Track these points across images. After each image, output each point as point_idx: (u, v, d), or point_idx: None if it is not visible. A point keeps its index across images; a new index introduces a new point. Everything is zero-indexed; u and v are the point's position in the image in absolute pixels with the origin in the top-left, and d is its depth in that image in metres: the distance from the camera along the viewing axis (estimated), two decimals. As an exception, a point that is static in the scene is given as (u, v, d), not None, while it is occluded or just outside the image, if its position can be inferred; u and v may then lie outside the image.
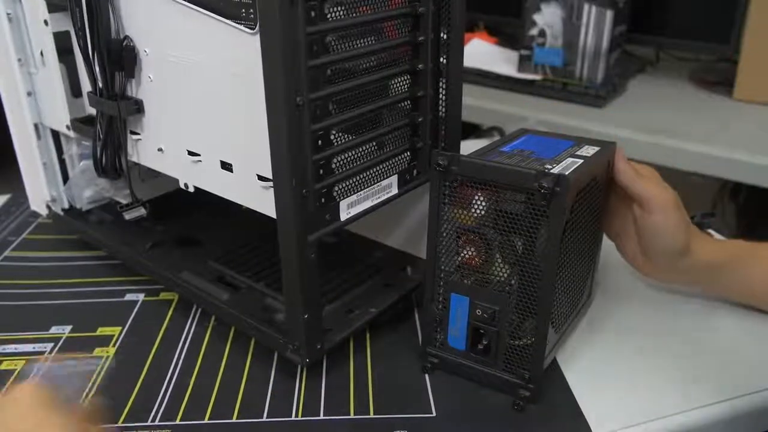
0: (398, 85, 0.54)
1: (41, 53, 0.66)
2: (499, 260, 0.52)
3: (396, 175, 0.56)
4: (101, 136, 0.61)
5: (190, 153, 0.56)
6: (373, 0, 0.49)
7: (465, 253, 0.53)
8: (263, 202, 0.50)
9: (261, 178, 0.50)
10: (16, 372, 0.58)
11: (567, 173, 0.49)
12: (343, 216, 0.52)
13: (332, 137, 0.49)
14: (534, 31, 1.30)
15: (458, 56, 0.56)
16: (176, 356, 0.59)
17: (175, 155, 0.58)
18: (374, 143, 0.53)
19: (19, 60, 0.67)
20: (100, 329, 0.63)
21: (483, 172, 0.50)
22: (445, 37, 0.55)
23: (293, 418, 0.52)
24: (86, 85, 0.62)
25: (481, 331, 0.53)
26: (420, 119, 0.57)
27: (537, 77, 1.32)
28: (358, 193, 0.53)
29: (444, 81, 0.57)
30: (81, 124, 0.66)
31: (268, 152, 0.47)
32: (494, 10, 1.52)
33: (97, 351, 0.60)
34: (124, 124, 0.60)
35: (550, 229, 0.48)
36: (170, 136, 0.58)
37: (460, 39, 0.55)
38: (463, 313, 0.54)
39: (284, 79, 0.44)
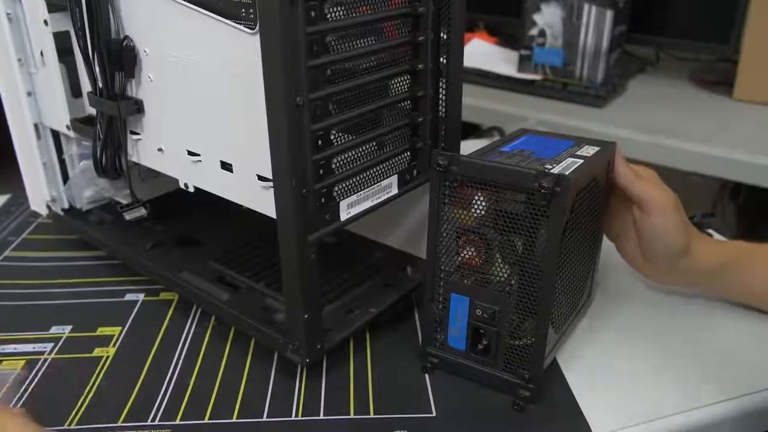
0: (398, 85, 0.54)
1: (41, 53, 0.66)
2: (499, 260, 0.52)
3: (396, 175, 0.56)
4: (101, 136, 0.61)
5: (190, 153, 0.56)
6: (373, 0, 0.49)
7: (465, 253, 0.53)
8: (263, 202, 0.50)
9: (261, 178, 0.50)
10: (16, 372, 0.58)
11: (567, 173, 0.49)
12: (343, 216, 0.52)
13: (332, 137, 0.49)
14: (534, 31, 1.30)
15: (458, 56, 0.56)
16: (176, 356, 0.59)
17: (175, 155, 0.58)
18: (374, 143, 0.53)
19: (19, 60, 0.67)
20: (100, 329, 0.63)
21: (483, 172, 0.50)
22: (445, 37, 0.55)
23: (293, 418, 0.52)
24: (86, 85, 0.62)
25: (481, 331, 0.53)
26: (420, 119, 0.57)
27: (537, 77, 1.32)
28: (358, 193, 0.53)
29: (444, 81, 0.57)
30: (81, 124, 0.66)
31: (268, 152, 0.47)
32: (494, 10, 1.52)
33: (97, 351, 0.60)
34: (124, 124, 0.60)
35: (550, 229, 0.48)
36: (170, 136, 0.58)
37: (460, 39, 0.55)
38: (463, 313, 0.54)
39: (284, 79, 0.44)
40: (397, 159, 0.56)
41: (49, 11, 0.62)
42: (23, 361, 0.59)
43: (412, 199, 0.64)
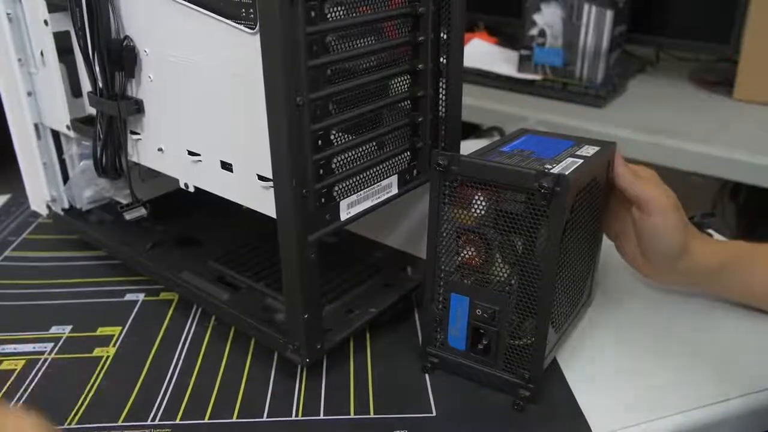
0: (398, 85, 0.54)
1: (41, 53, 0.66)
2: (499, 260, 0.52)
3: (396, 175, 0.56)
4: (101, 136, 0.61)
5: (190, 153, 0.56)
6: (373, 0, 0.49)
7: (465, 253, 0.53)
8: (263, 202, 0.50)
9: (261, 178, 0.50)
10: (16, 372, 0.58)
11: (567, 173, 0.49)
12: (343, 216, 0.52)
13: (332, 137, 0.49)
14: (534, 31, 1.30)
15: (458, 56, 0.56)
16: (176, 356, 0.59)
17: (175, 155, 0.58)
18: (374, 143, 0.53)
19: (19, 60, 0.67)
20: (100, 329, 0.63)
21: (483, 172, 0.50)
22: (445, 37, 0.55)
23: (293, 418, 0.52)
24: (86, 85, 0.62)
25: (481, 331, 0.53)
26: (420, 119, 0.57)
27: (537, 77, 1.32)
28: (358, 193, 0.53)
29: (444, 81, 0.57)
30: (81, 124, 0.66)
31: (268, 152, 0.47)
32: (494, 10, 1.52)
33: (97, 351, 0.60)
34: (124, 124, 0.60)
35: (550, 229, 0.48)
36: (170, 136, 0.58)
37: (460, 39, 0.55)
38: (463, 313, 0.54)
39: (284, 79, 0.44)
40: (397, 159, 0.56)
41: (49, 11, 0.62)
42: (23, 361, 0.59)
43: (412, 199, 0.64)
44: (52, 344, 0.61)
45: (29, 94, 0.69)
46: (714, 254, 0.61)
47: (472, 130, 1.31)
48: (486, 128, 1.29)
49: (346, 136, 0.51)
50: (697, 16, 1.32)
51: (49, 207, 0.76)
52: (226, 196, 0.55)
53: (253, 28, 0.45)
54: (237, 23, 0.46)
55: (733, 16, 1.25)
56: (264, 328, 0.56)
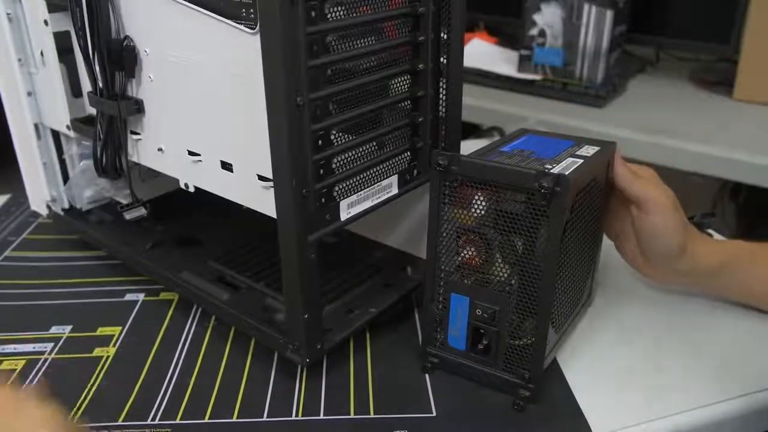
0: (398, 85, 0.54)
1: (41, 53, 0.66)
2: (499, 260, 0.52)
3: (396, 175, 0.56)
4: (101, 136, 0.61)
5: (191, 153, 0.56)
6: (373, 0, 0.49)
7: (465, 253, 0.53)
8: (263, 202, 0.50)
9: (261, 178, 0.50)
10: (16, 372, 0.58)
11: (567, 173, 0.49)
12: (344, 216, 0.52)
13: (332, 137, 0.49)
14: (534, 31, 1.30)
15: (458, 56, 0.56)
16: (176, 356, 0.59)
17: (176, 155, 0.58)
18: (374, 143, 0.53)
19: (19, 60, 0.67)
20: (100, 329, 0.63)
21: (483, 172, 0.50)
22: (445, 37, 0.55)
23: (293, 417, 0.52)
24: (86, 85, 0.62)
25: (481, 331, 0.53)
26: (420, 119, 0.57)
27: (537, 77, 1.32)
28: (359, 193, 0.53)
29: (444, 81, 0.57)
30: (81, 124, 0.66)
31: (268, 152, 0.47)
32: (494, 10, 1.52)
33: (97, 351, 0.60)
34: (125, 124, 0.60)
35: (550, 229, 0.48)
36: (170, 136, 0.58)
37: (460, 39, 0.55)
38: (463, 313, 0.54)
39: (284, 79, 0.44)
40: (397, 159, 0.56)
41: (50, 11, 0.62)
42: (23, 361, 0.59)
43: (412, 199, 0.64)
44: (52, 344, 0.61)
45: (29, 94, 0.69)
46: (713, 254, 0.61)
47: (472, 130, 1.31)
48: (486, 128, 1.29)
49: (346, 136, 0.51)
50: (697, 16, 1.32)
51: (49, 207, 0.76)
52: (226, 196, 0.55)
53: (254, 28, 0.45)
54: (237, 23, 0.46)
55: (733, 16, 1.25)
56: (264, 328, 0.56)
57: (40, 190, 0.75)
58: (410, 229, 0.68)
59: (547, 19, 1.28)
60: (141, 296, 0.68)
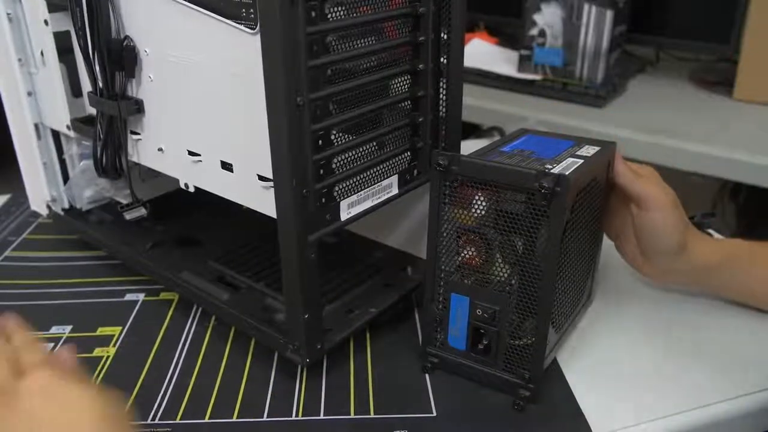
0: (398, 85, 0.54)
1: (41, 53, 0.66)
2: (500, 260, 0.52)
3: (396, 175, 0.56)
4: (101, 136, 0.61)
5: (191, 153, 0.56)
6: (373, 0, 0.49)
7: (465, 253, 0.53)
8: (263, 202, 0.50)
9: (261, 178, 0.50)
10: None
11: (567, 173, 0.49)
12: (344, 216, 0.52)
13: (332, 137, 0.49)
14: (534, 31, 1.30)
15: (458, 56, 0.56)
16: (176, 356, 0.59)
17: (176, 155, 0.58)
18: (374, 143, 0.53)
19: (20, 60, 0.67)
20: (100, 329, 0.63)
21: (483, 172, 0.50)
22: (445, 37, 0.55)
23: (293, 417, 0.52)
24: (86, 85, 0.62)
25: (482, 331, 0.53)
26: (420, 119, 0.57)
27: (537, 77, 1.32)
28: (359, 193, 0.53)
29: (444, 81, 0.57)
30: (81, 124, 0.66)
31: (268, 152, 0.47)
32: (494, 10, 1.52)
33: (97, 351, 0.60)
34: (125, 124, 0.60)
35: (550, 229, 0.48)
36: (170, 136, 0.58)
37: (461, 39, 0.55)
38: (464, 313, 0.54)
39: (284, 79, 0.44)
40: (397, 159, 0.56)
41: (50, 11, 0.62)
42: (23, 361, 0.59)
43: (412, 199, 0.64)
44: (52, 344, 0.61)
45: (29, 94, 0.69)
46: (713, 252, 0.61)
47: (472, 130, 1.31)
48: (486, 128, 1.29)
49: (346, 136, 0.51)
50: (697, 16, 1.32)
51: (49, 207, 0.76)
52: (226, 196, 0.55)
53: (254, 28, 0.45)
54: (237, 23, 0.46)
55: (733, 16, 1.25)
56: (264, 328, 0.56)
57: (40, 190, 0.75)
58: (410, 229, 0.68)
59: (547, 19, 1.28)
60: (141, 296, 0.68)
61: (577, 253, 0.56)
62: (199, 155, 0.55)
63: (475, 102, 1.28)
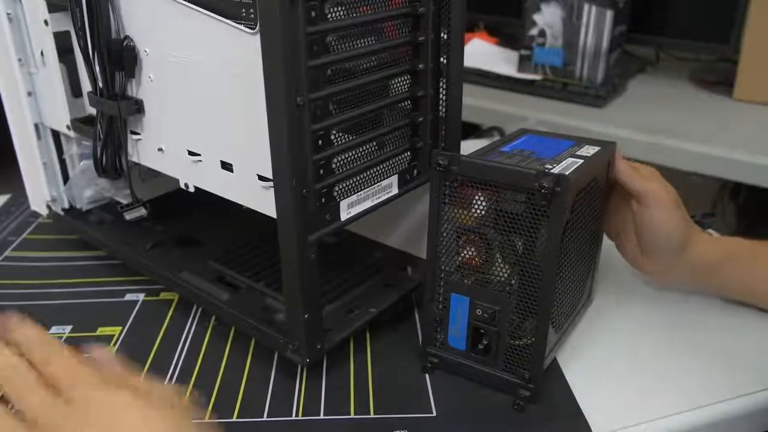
0: (398, 85, 0.54)
1: (41, 53, 0.66)
2: (500, 260, 0.52)
3: (396, 175, 0.56)
4: (101, 136, 0.61)
5: (191, 153, 0.56)
6: (373, 0, 0.49)
7: (465, 253, 0.53)
8: (263, 202, 0.50)
9: (261, 178, 0.50)
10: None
11: (567, 173, 0.49)
12: (344, 216, 0.52)
13: (332, 137, 0.49)
14: (534, 31, 1.30)
15: (458, 56, 0.56)
16: (176, 356, 0.59)
17: (176, 155, 0.58)
18: (374, 143, 0.53)
19: (20, 60, 0.67)
20: (100, 329, 0.63)
21: (483, 172, 0.50)
22: (445, 37, 0.55)
23: (293, 417, 0.52)
24: (86, 85, 0.62)
25: (482, 331, 0.53)
26: (420, 119, 0.57)
27: (537, 77, 1.32)
28: (359, 193, 0.53)
29: (444, 81, 0.57)
30: (81, 124, 0.66)
31: (268, 152, 0.47)
32: (494, 10, 1.52)
33: (97, 351, 0.60)
34: (125, 124, 0.60)
35: (550, 229, 0.48)
36: (170, 136, 0.58)
37: (461, 39, 0.55)
38: (464, 313, 0.54)
39: (284, 79, 0.44)
40: (397, 159, 0.56)
41: (50, 11, 0.62)
42: (23, 361, 0.59)
43: (412, 199, 0.64)
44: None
45: (29, 94, 0.69)
46: (714, 251, 0.61)
47: (472, 130, 1.31)
48: (486, 128, 1.29)
49: (346, 136, 0.51)
50: (697, 16, 1.32)
51: (49, 207, 0.76)
52: (226, 196, 0.55)
53: (254, 28, 0.45)
54: (237, 23, 0.46)
55: (733, 16, 1.25)
56: (264, 328, 0.56)
57: (40, 190, 0.75)
58: (410, 229, 0.68)
59: (547, 19, 1.28)
60: (141, 296, 0.68)
61: (577, 253, 0.56)
62: (199, 155, 0.55)
63: (475, 102, 1.28)
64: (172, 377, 0.57)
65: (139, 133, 0.61)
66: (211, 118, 0.53)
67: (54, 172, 0.74)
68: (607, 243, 0.65)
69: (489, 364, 0.54)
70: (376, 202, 0.55)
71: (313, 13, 0.44)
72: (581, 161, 0.53)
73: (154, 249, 0.70)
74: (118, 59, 0.56)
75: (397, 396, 0.54)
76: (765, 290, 0.62)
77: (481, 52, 1.46)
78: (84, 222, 0.75)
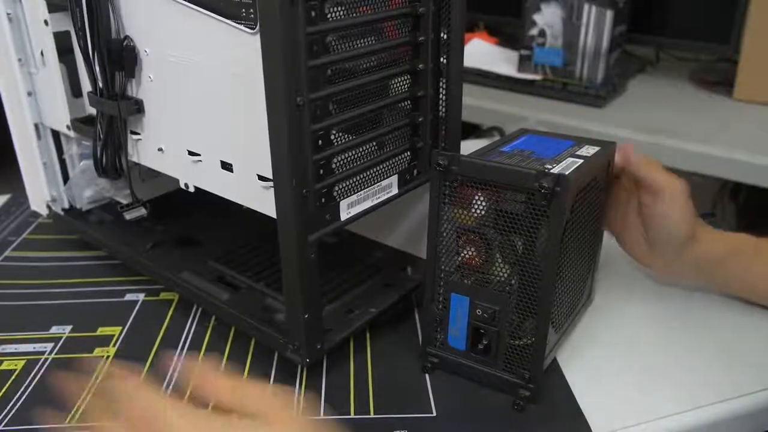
0: (398, 85, 0.54)
1: (41, 53, 0.66)
2: (499, 260, 0.52)
3: (396, 175, 0.56)
4: (101, 136, 0.61)
5: (191, 153, 0.56)
6: (373, 0, 0.49)
7: (465, 253, 0.53)
8: (263, 202, 0.50)
9: (261, 178, 0.50)
10: (16, 372, 0.58)
11: (567, 173, 0.49)
12: (344, 216, 0.52)
13: (332, 137, 0.49)
14: (534, 31, 1.30)
15: (458, 56, 0.56)
16: (176, 356, 0.59)
17: (176, 155, 0.58)
18: (374, 143, 0.53)
19: (20, 60, 0.67)
20: (100, 329, 0.63)
21: (483, 172, 0.50)
22: (445, 37, 0.55)
23: (293, 418, 0.52)
24: (86, 85, 0.62)
25: (482, 331, 0.53)
26: (420, 119, 0.57)
27: (537, 77, 1.32)
28: (359, 193, 0.53)
29: (444, 81, 0.57)
30: (81, 124, 0.66)
31: (268, 152, 0.47)
32: (494, 10, 1.52)
33: (97, 351, 0.60)
34: (125, 124, 0.60)
35: (550, 229, 0.48)
36: (170, 136, 0.58)
37: (460, 39, 0.55)
38: (463, 313, 0.54)
39: (284, 79, 0.44)
40: (397, 159, 0.56)
41: (50, 11, 0.62)
42: (23, 361, 0.59)
43: (412, 199, 0.64)
44: (52, 344, 0.61)
45: (29, 94, 0.69)
46: (718, 243, 0.61)
47: (472, 130, 1.31)
48: (486, 128, 1.29)
49: (346, 136, 0.51)
50: (697, 16, 1.32)
51: (49, 207, 0.76)
52: (226, 196, 0.55)
53: (254, 28, 0.45)
54: (237, 23, 0.46)
55: (733, 16, 1.25)
56: (264, 328, 0.56)
57: (40, 190, 0.75)
58: (410, 229, 0.68)
59: (547, 19, 1.28)
60: (141, 296, 0.68)
61: (577, 253, 0.56)
62: (199, 155, 0.55)
63: (475, 102, 1.28)
64: (172, 377, 0.57)
65: (139, 133, 0.61)
66: (211, 118, 0.53)
67: (54, 172, 0.74)
68: (607, 242, 0.65)
69: (489, 364, 0.54)
70: (376, 202, 0.55)
71: (313, 13, 0.44)
72: (581, 161, 0.53)
73: (154, 249, 0.70)
74: (118, 59, 0.56)
75: (397, 396, 0.54)
76: (765, 287, 0.62)
77: (481, 52, 1.46)
78: (84, 222, 0.75)
